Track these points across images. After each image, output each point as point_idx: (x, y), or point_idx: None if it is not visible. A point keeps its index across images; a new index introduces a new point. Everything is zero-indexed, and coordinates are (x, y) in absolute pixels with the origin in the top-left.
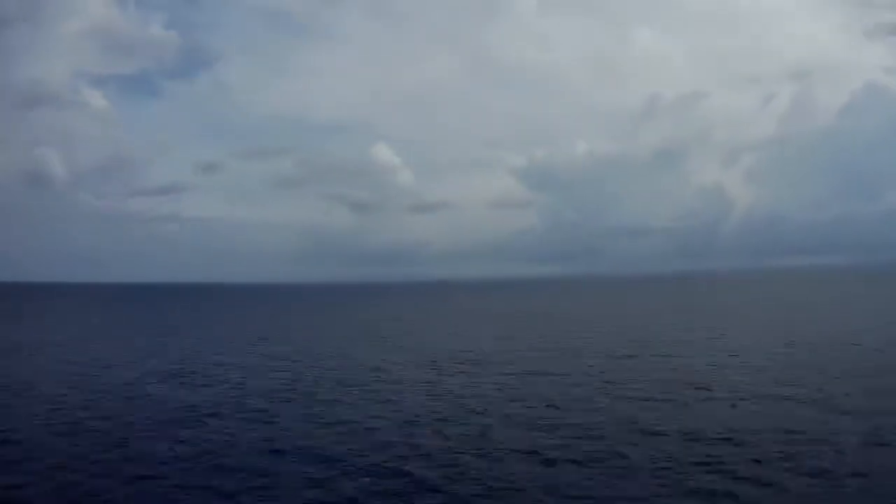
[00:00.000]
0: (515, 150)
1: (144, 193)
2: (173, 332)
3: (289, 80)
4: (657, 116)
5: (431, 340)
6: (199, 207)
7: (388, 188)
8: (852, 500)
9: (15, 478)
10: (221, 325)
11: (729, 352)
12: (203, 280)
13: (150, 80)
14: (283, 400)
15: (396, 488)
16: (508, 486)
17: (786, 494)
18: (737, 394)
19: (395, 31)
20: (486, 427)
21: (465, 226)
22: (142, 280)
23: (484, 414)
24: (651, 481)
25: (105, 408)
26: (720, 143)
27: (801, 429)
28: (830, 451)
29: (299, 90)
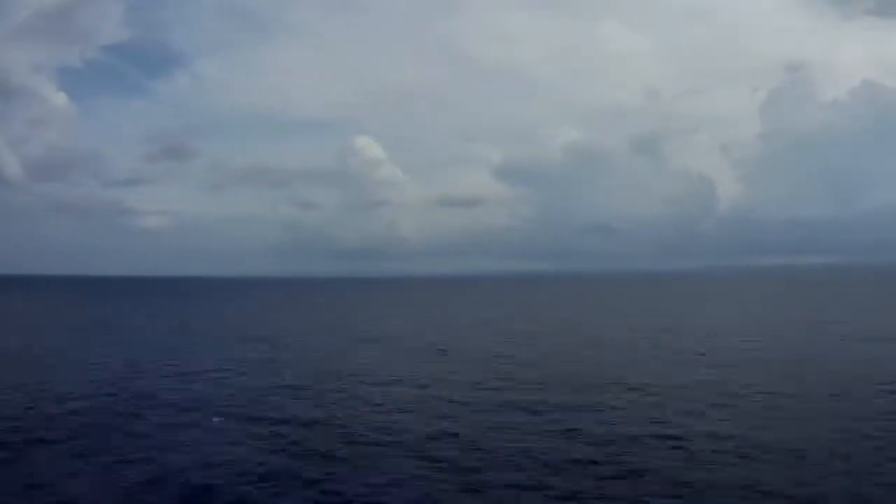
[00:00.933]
0: (490, 146)
1: (108, 186)
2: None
3: (256, 76)
4: (632, 112)
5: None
6: (164, 201)
7: (362, 184)
8: None
9: None
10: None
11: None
12: (177, 274)
13: (111, 75)
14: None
15: None
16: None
17: None
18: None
19: (358, 27)
20: None
21: (438, 222)
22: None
23: None
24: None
25: None
26: (697, 140)
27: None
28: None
29: (267, 87)
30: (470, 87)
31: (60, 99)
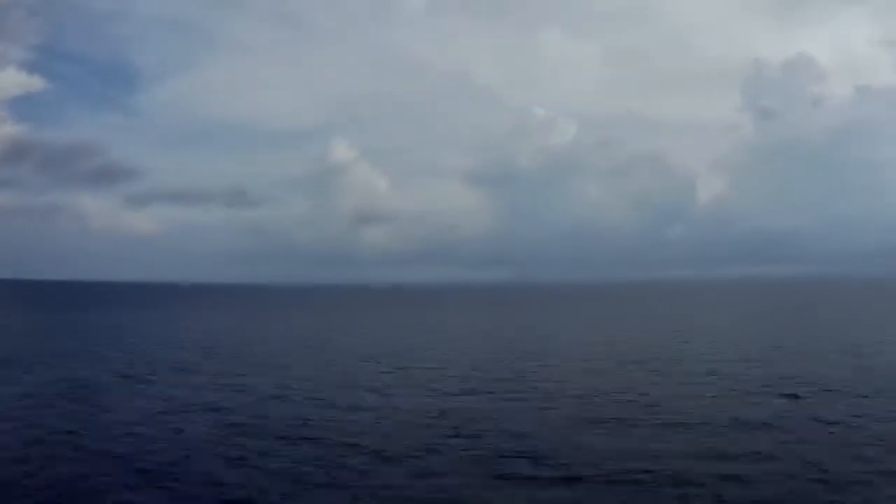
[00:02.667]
0: (453, 153)
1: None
2: None
3: (211, 93)
4: (586, 120)
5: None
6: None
7: (329, 193)
8: None
9: None
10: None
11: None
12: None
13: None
14: None
15: None
16: None
17: None
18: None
19: (302, 41)
20: None
21: (407, 230)
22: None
23: None
24: None
25: None
26: (657, 147)
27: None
28: None
29: (223, 102)
30: (423, 95)
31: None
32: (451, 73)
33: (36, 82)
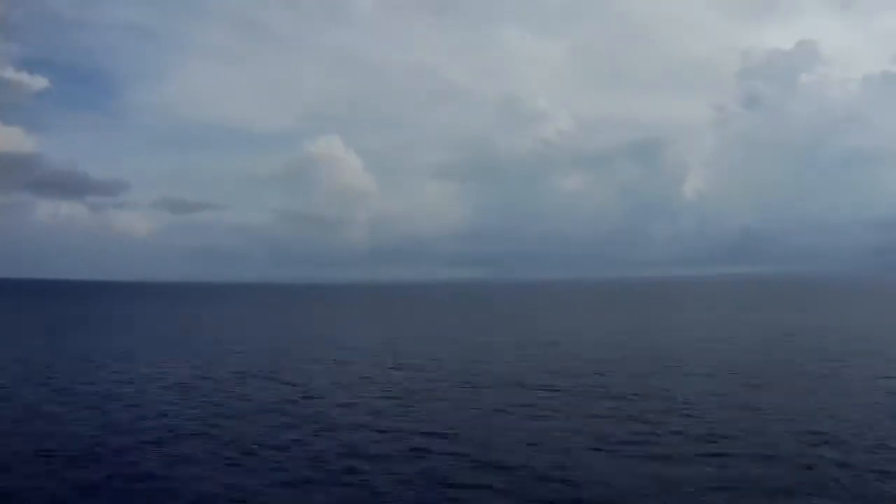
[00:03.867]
0: (426, 152)
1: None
2: None
3: (185, 97)
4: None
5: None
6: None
7: (307, 192)
8: None
9: None
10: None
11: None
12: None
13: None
14: None
15: None
16: None
17: None
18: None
19: (266, 46)
20: None
21: (385, 228)
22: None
23: None
24: None
25: None
26: (627, 142)
27: None
28: None
29: (197, 107)
30: (389, 94)
31: None
32: (416, 70)
33: None
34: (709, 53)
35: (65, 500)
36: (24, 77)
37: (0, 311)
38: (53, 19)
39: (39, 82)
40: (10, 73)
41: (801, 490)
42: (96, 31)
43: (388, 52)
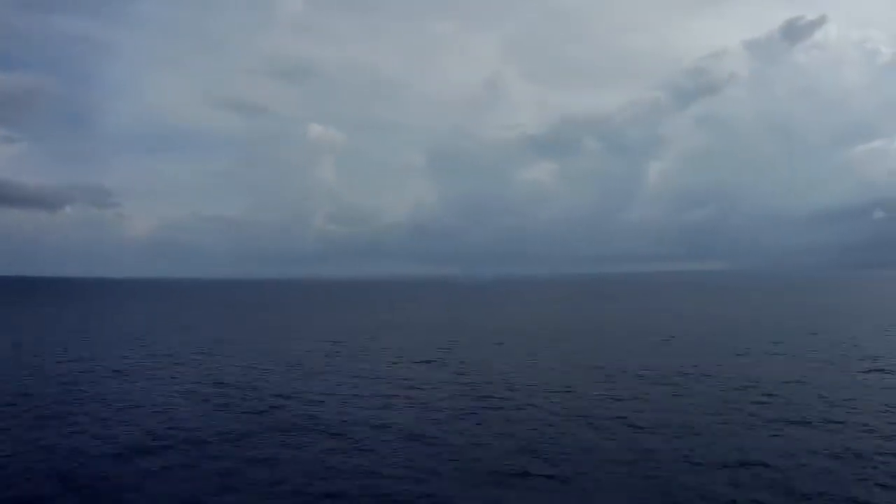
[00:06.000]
0: (384, 150)
1: None
2: None
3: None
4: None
5: None
6: None
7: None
8: None
9: None
10: None
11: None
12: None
13: None
14: None
15: None
16: None
17: None
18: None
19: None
20: None
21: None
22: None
23: None
24: None
25: None
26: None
27: None
28: None
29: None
30: (334, 92)
31: None
32: (356, 67)
33: None
34: (645, 46)
35: None
36: None
37: None
38: None
39: None
40: None
41: None
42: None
43: (320, 49)
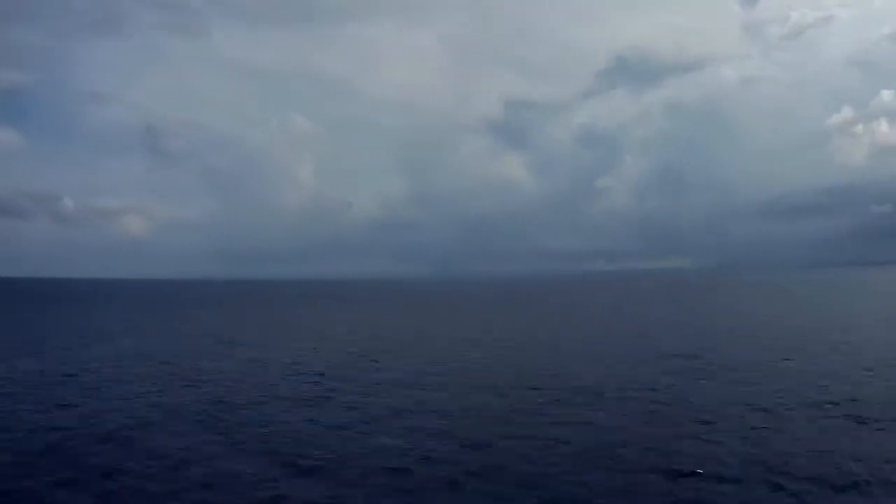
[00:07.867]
0: (352, 149)
1: None
2: None
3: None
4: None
5: None
6: None
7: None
8: None
9: None
10: None
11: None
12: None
13: None
14: None
15: None
16: None
17: None
18: None
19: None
20: None
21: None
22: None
23: None
24: None
25: None
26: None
27: None
28: None
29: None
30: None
31: None
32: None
33: None
34: (577, 40)
35: None
36: None
37: None
38: None
39: None
40: None
41: None
42: None
43: (266, 55)
